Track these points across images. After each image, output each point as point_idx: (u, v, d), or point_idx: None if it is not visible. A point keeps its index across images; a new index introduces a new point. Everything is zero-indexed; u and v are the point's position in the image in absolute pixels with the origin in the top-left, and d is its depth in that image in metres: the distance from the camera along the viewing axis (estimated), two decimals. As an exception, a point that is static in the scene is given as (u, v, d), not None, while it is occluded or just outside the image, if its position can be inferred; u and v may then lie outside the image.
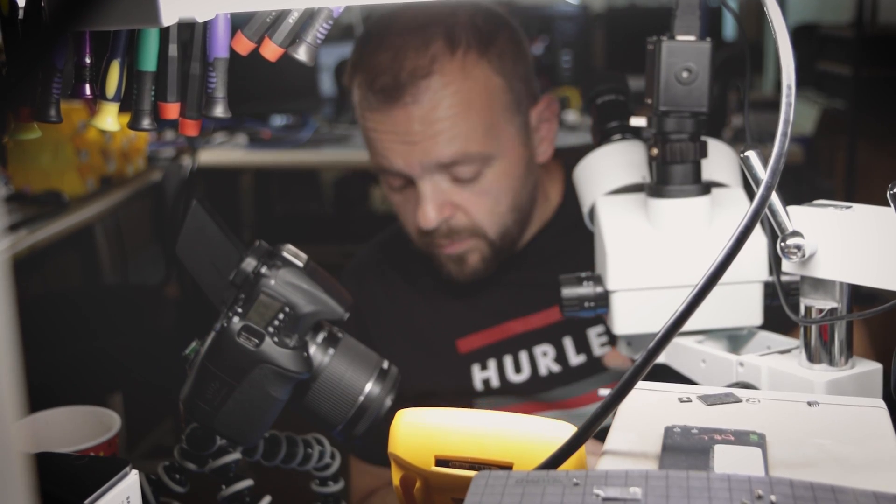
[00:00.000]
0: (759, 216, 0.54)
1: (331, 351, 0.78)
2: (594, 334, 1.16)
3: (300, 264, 0.77)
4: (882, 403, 0.61)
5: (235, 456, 0.82)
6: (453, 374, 1.18)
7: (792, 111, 0.55)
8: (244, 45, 0.63)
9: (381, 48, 1.09)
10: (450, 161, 1.07)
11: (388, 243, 1.28)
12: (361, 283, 1.25)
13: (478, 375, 1.18)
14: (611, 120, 0.92)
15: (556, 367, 1.16)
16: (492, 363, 1.18)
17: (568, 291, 0.83)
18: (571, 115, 3.48)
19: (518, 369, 1.17)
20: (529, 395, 1.16)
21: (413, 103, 1.06)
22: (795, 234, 0.69)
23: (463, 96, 1.07)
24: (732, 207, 0.83)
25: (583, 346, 1.16)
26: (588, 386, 1.16)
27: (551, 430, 0.59)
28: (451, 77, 1.07)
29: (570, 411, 1.16)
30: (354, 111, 1.15)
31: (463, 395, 1.17)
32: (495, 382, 1.17)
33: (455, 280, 1.16)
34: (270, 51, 0.62)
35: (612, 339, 1.13)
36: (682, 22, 0.74)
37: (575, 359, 1.16)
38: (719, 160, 0.87)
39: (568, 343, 1.16)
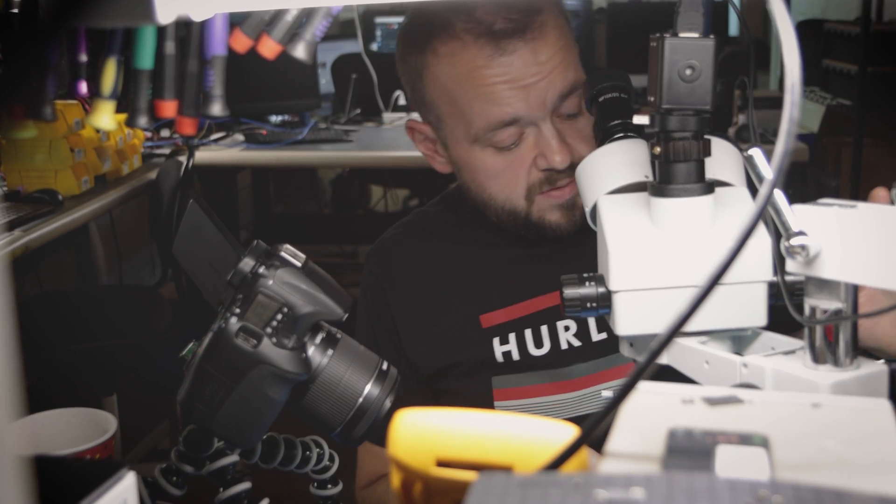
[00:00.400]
0: (763, 215, 0.53)
1: (329, 352, 0.78)
2: None
3: (298, 264, 0.77)
4: (887, 405, 0.60)
5: (233, 458, 0.81)
6: (474, 348, 1.20)
7: (797, 109, 0.54)
8: (242, 43, 0.62)
9: (475, 5, 1.11)
10: (569, 90, 1.12)
11: (412, 224, 1.31)
12: (385, 261, 1.28)
13: (498, 349, 1.19)
14: (613, 118, 0.91)
15: (576, 342, 1.18)
16: (512, 337, 1.20)
17: (570, 292, 0.82)
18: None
19: (539, 344, 1.19)
20: (549, 369, 1.18)
21: (534, 39, 1.10)
22: (800, 233, 0.68)
23: (562, 27, 1.13)
24: (736, 207, 0.83)
25: (605, 323, 1.17)
26: (608, 363, 1.17)
27: (552, 432, 0.58)
28: (550, 9, 1.13)
29: (587, 390, 1.17)
30: (425, 82, 1.16)
31: (484, 368, 1.18)
32: (516, 356, 1.19)
33: (563, 231, 1.17)
34: (268, 48, 0.62)
35: None
36: (685, 18, 0.74)
37: (597, 335, 1.17)
38: (723, 159, 0.86)
39: (591, 319, 1.16)
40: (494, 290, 1.22)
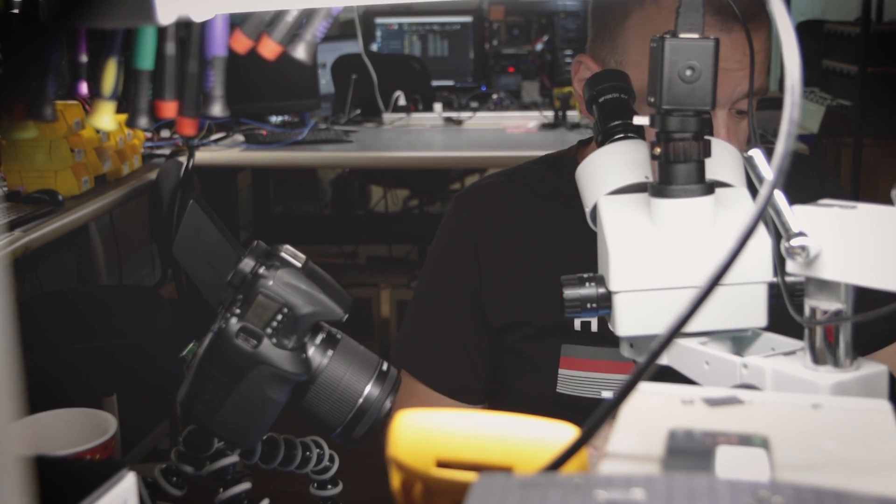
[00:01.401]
0: (763, 216, 0.53)
1: (329, 352, 0.78)
2: None
3: (298, 265, 0.76)
4: (887, 405, 0.60)
5: (233, 458, 0.81)
6: (555, 310, 1.20)
7: (797, 110, 0.54)
8: (242, 44, 0.62)
9: None
10: (758, 90, 1.08)
11: (512, 176, 1.30)
12: (480, 205, 1.27)
13: (579, 318, 1.18)
14: (613, 119, 0.91)
15: None
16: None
17: (570, 293, 0.82)
18: (573, 114, 3.48)
19: None
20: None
21: (754, 30, 1.07)
22: (800, 234, 0.68)
23: (769, 30, 1.12)
24: (736, 207, 0.83)
25: None
26: None
27: (553, 433, 0.58)
28: (765, 11, 1.10)
29: (583, 395, 1.16)
30: (623, 28, 1.14)
31: (558, 332, 1.17)
32: (594, 327, 1.18)
33: None
34: (269, 49, 0.62)
35: None
36: (685, 19, 0.74)
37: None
38: (723, 159, 0.86)
39: None
40: (584, 259, 1.22)
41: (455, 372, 1.23)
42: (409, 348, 1.26)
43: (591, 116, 0.97)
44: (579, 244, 1.20)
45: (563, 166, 1.27)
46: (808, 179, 1.24)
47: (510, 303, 1.21)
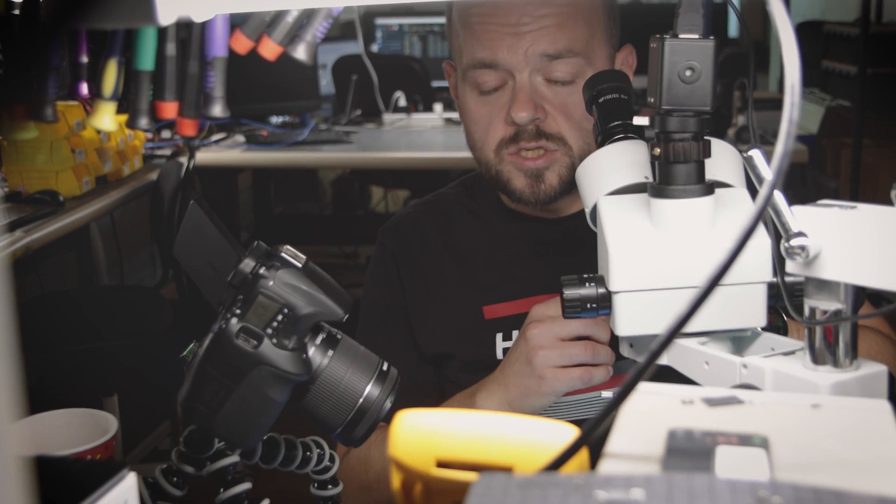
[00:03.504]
0: (763, 216, 0.54)
1: (330, 352, 0.78)
2: None
3: (299, 265, 0.77)
4: (887, 405, 0.60)
5: (234, 459, 0.81)
6: (475, 340, 1.21)
7: (796, 110, 0.54)
8: (243, 44, 0.62)
9: None
10: (555, 53, 1.11)
11: (429, 205, 1.32)
12: (400, 237, 1.29)
13: (500, 345, 1.19)
14: (613, 119, 0.91)
15: None
16: (515, 334, 1.19)
17: (570, 293, 0.83)
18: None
19: None
20: None
21: None
22: (800, 234, 0.68)
23: (586, 2, 1.12)
24: (736, 208, 0.83)
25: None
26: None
27: (552, 433, 0.58)
28: None
29: (587, 395, 1.16)
30: (449, 15, 1.19)
31: (483, 364, 1.18)
32: None
33: (528, 201, 1.18)
34: (269, 50, 0.62)
35: None
36: (685, 20, 0.74)
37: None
38: (723, 160, 0.86)
39: None
40: (501, 283, 1.22)
41: (401, 403, 1.23)
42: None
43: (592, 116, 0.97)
44: (496, 264, 1.23)
45: (474, 187, 1.29)
46: None
47: (435, 334, 1.23)
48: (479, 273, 1.23)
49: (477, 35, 1.13)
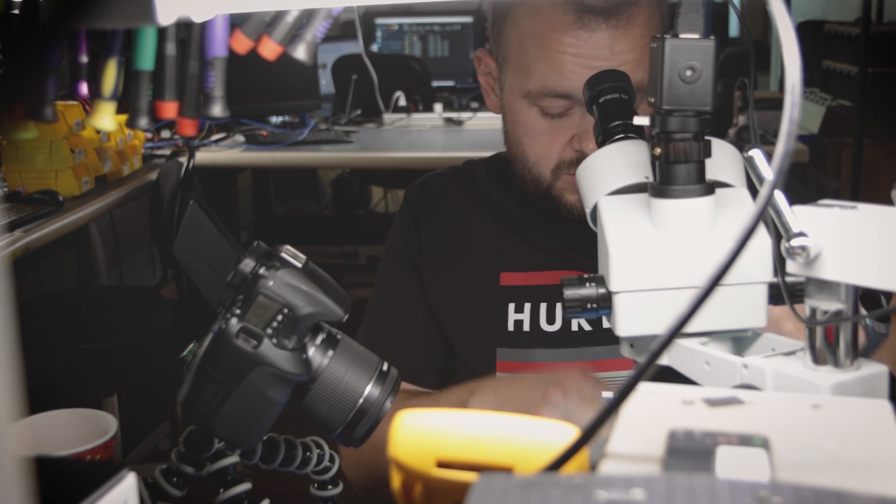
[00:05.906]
0: (764, 216, 0.53)
1: (330, 353, 0.78)
2: None
3: (299, 265, 0.76)
4: (887, 405, 0.60)
5: (234, 459, 0.81)
6: (490, 309, 1.22)
7: (797, 110, 0.54)
8: (242, 44, 0.62)
9: None
10: (638, 85, 1.10)
11: (460, 170, 1.34)
12: (425, 197, 1.31)
13: (511, 316, 1.21)
14: (613, 119, 0.91)
15: (587, 326, 1.19)
16: (527, 307, 1.21)
17: (570, 293, 0.82)
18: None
19: (551, 320, 1.20)
20: (556, 348, 1.20)
21: (617, 27, 1.10)
22: (800, 234, 0.68)
23: (653, 27, 1.13)
24: (737, 208, 0.82)
25: None
26: (613, 352, 1.18)
27: (553, 433, 0.58)
28: (647, 5, 1.12)
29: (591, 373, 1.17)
30: (503, 17, 1.18)
31: (492, 335, 1.20)
32: (526, 327, 1.20)
33: (576, 215, 1.19)
34: (269, 49, 0.62)
35: None
36: (685, 19, 0.73)
37: (608, 322, 1.18)
38: (723, 160, 0.86)
39: None
40: (523, 253, 1.24)
41: (406, 356, 1.24)
42: (365, 334, 1.29)
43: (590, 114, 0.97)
44: (518, 234, 1.24)
45: (506, 161, 1.29)
46: None
47: (449, 298, 1.25)
48: (501, 239, 1.25)
49: (557, 66, 1.13)
